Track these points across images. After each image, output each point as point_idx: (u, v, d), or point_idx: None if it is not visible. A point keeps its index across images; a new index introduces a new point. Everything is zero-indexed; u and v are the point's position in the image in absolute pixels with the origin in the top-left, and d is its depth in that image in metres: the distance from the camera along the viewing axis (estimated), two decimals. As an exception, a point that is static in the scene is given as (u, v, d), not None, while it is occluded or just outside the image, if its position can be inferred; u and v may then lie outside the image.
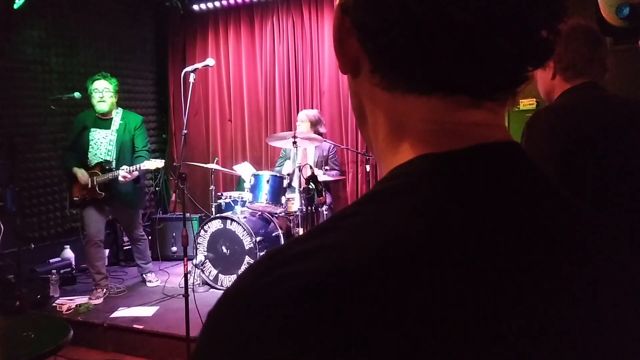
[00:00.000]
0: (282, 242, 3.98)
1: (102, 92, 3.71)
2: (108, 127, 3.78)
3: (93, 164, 3.75)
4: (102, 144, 3.76)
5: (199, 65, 3.01)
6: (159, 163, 3.67)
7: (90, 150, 3.75)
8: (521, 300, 0.33)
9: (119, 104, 3.95)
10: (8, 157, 3.83)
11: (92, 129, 3.77)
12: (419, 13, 0.35)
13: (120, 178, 3.62)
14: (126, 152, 3.80)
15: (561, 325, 0.34)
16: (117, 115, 3.82)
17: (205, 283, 3.96)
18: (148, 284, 4.14)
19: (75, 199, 3.78)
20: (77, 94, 3.88)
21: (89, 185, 3.71)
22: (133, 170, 3.63)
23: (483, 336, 0.31)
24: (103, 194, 3.72)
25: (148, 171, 3.88)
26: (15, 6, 3.78)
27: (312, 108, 4.90)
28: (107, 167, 3.71)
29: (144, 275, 4.21)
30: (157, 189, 5.51)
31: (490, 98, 0.39)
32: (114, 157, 3.75)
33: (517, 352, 0.32)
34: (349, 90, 0.47)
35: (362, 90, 0.43)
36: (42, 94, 4.32)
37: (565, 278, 0.36)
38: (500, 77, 0.38)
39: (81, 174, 3.72)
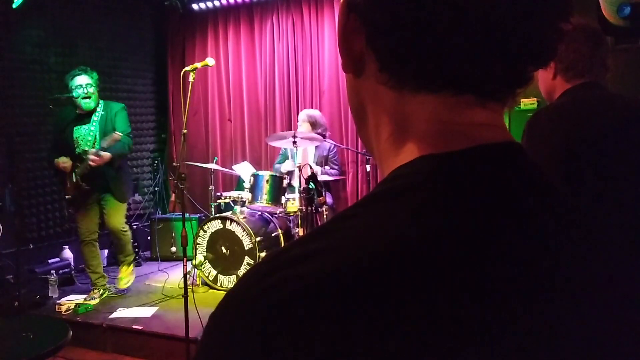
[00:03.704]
0: (282, 242, 3.99)
1: (86, 88, 3.55)
2: (89, 121, 3.65)
3: (75, 158, 3.66)
4: (85, 137, 3.66)
5: (198, 65, 3.01)
6: (115, 136, 3.44)
7: (77, 148, 3.65)
8: (523, 300, 0.33)
9: (118, 101, 3.94)
10: (7, 157, 3.83)
11: (75, 127, 3.66)
12: (434, 11, 0.35)
13: (90, 162, 3.46)
14: None
15: (564, 325, 0.34)
16: (99, 107, 3.67)
17: (204, 284, 3.96)
18: (118, 283, 3.87)
19: (67, 197, 3.73)
20: (76, 94, 3.87)
21: (74, 181, 3.63)
22: (98, 151, 3.45)
23: (483, 337, 0.31)
24: (86, 186, 3.61)
25: (121, 154, 3.62)
26: (14, 5, 3.78)
27: (312, 108, 4.91)
28: (84, 157, 3.56)
29: (121, 267, 3.90)
30: (156, 189, 5.51)
31: (495, 98, 0.39)
32: (96, 147, 3.57)
33: (518, 351, 0.31)
34: (347, 90, 0.46)
35: (364, 90, 0.43)
36: (40, 93, 4.31)
37: (567, 278, 0.35)
38: (506, 76, 0.38)
39: (62, 160, 3.61)
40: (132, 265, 3.96)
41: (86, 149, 3.60)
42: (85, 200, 3.72)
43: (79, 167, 3.60)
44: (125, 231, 3.87)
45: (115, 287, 4.00)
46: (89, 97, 3.59)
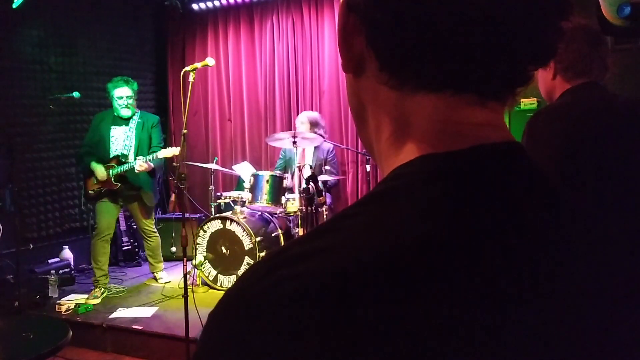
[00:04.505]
0: (282, 242, 3.99)
1: (126, 100, 3.83)
2: (126, 124, 3.89)
3: (110, 158, 3.85)
4: (120, 138, 3.88)
5: (198, 65, 3.00)
6: (175, 150, 3.74)
7: (110, 146, 3.85)
8: (523, 300, 0.33)
9: None
10: (7, 157, 3.83)
11: (112, 127, 3.87)
12: (435, 10, 0.35)
13: (137, 168, 3.71)
14: (144, 147, 3.90)
15: (564, 326, 0.34)
16: (136, 115, 3.94)
17: (204, 284, 3.96)
18: (159, 281, 4.19)
19: (90, 192, 3.87)
20: (76, 94, 3.88)
21: (105, 177, 3.80)
22: (149, 160, 3.72)
23: (484, 338, 0.31)
24: (118, 184, 3.81)
25: (161, 166, 3.99)
26: (14, 5, 3.77)
27: (312, 108, 4.90)
28: (123, 160, 3.81)
29: (155, 273, 4.22)
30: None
31: (495, 97, 0.39)
32: (134, 151, 3.85)
33: (518, 351, 0.31)
34: (347, 90, 0.46)
35: (364, 90, 0.43)
36: (41, 93, 4.31)
37: (567, 278, 0.35)
38: (506, 75, 0.38)
39: (100, 170, 3.80)
40: (163, 270, 4.29)
41: (125, 152, 3.84)
42: (108, 196, 3.87)
43: (115, 168, 3.79)
44: (155, 233, 4.17)
45: (115, 288, 4.02)
46: (128, 107, 3.85)
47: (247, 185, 3.97)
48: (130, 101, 3.85)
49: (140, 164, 3.70)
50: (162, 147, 3.93)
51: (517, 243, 0.35)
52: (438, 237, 0.33)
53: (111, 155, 3.85)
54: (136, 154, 3.84)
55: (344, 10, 0.41)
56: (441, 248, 0.32)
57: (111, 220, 3.92)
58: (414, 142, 0.39)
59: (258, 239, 3.73)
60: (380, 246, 0.32)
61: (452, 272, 0.31)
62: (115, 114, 3.88)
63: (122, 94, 3.81)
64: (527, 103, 3.48)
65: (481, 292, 0.32)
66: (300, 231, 3.75)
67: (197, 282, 3.97)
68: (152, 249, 4.17)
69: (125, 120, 3.89)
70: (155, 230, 4.20)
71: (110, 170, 3.80)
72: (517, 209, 0.36)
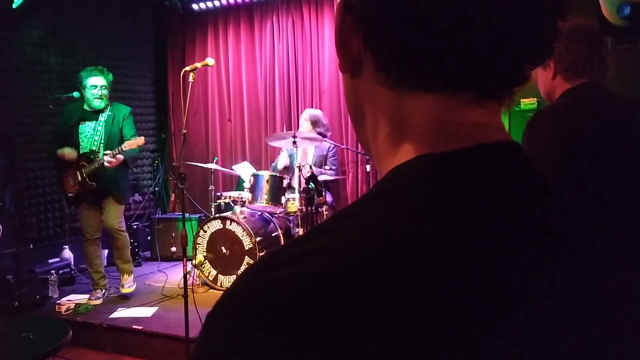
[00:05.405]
0: (282, 242, 3.99)
1: (100, 90, 3.65)
2: (96, 119, 3.71)
3: (79, 156, 3.69)
4: (89, 134, 3.71)
5: (198, 65, 3.00)
6: (140, 140, 3.56)
7: (80, 143, 3.69)
8: (522, 300, 0.33)
9: (118, 101, 3.97)
10: (7, 157, 3.83)
11: (81, 122, 3.71)
12: (432, 10, 0.35)
13: (105, 163, 3.51)
14: (114, 142, 3.70)
15: (561, 323, 0.33)
16: (107, 108, 3.75)
17: (204, 284, 3.96)
18: (121, 289, 3.82)
19: (69, 195, 3.73)
20: (76, 94, 3.88)
21: (79, 179, 3.66)
22: (116, 154, 3.53)
23: (483, 336, 0.31)
24: (94, 184, 3.65)
25: (135, 157, 3.79)
26: (14, 5, 3.78)
27: (311, 108, 4.91)
28: (92, 157, 3.63)
29: (122, 279, 3.85)
30: (156, 189, 5.50)
31: (493, 96, 0.39)
32: (102, 147, 3.66)
33: (517, 351, 0.31)
34: (345, 90, 0.47)
35: (362, 90, 0.43)
36: (41, 93, 4.32)
37: (566, 276, 0.35)
38: (504, 75, 0.38)
39: (67, 152, 3.62)
40: (132, 273, 3.93)
41: (93, 148, 3.66)
42: (88, 197, 3.72)
43: (87, 167, 3.64)
44: (122, 231, 3.82)
45: (115, 288, 4.00)
46: (101, 98, 3.67)
47: (247, 185, 3.97)
48: (104, 91, 3.65)
49: (109, 160, 3.49)
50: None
51: (515, 243, 0.34)
52: (436, 238, 0.33)
53: (80, 152, 3.66)
54: (105, 150, 3.62)
55: (341, 10, 0.40)
56: (439, 249, 0.32)
57: (95, 222, 3.78)
58: (412, 142, 0.39)
59: (258, 239, 3.73)
60: (378, 247, 0.32)
61: (449, 274, 0.31)
62: (85, 107, 3.69)
63: (97, 83, 3.62)
64: (527, 103, 3.48)
65: (479, 293, 0.31)
66: (300, 231, 3.75)
67: (197, 282, 3.97)
68: (119, 249, 3.84)
69: (95, 114, 3.68)
70: (123, 228, 3.84)
71: (82, 170, 3.63)
72: (515, 208, 0.36)
